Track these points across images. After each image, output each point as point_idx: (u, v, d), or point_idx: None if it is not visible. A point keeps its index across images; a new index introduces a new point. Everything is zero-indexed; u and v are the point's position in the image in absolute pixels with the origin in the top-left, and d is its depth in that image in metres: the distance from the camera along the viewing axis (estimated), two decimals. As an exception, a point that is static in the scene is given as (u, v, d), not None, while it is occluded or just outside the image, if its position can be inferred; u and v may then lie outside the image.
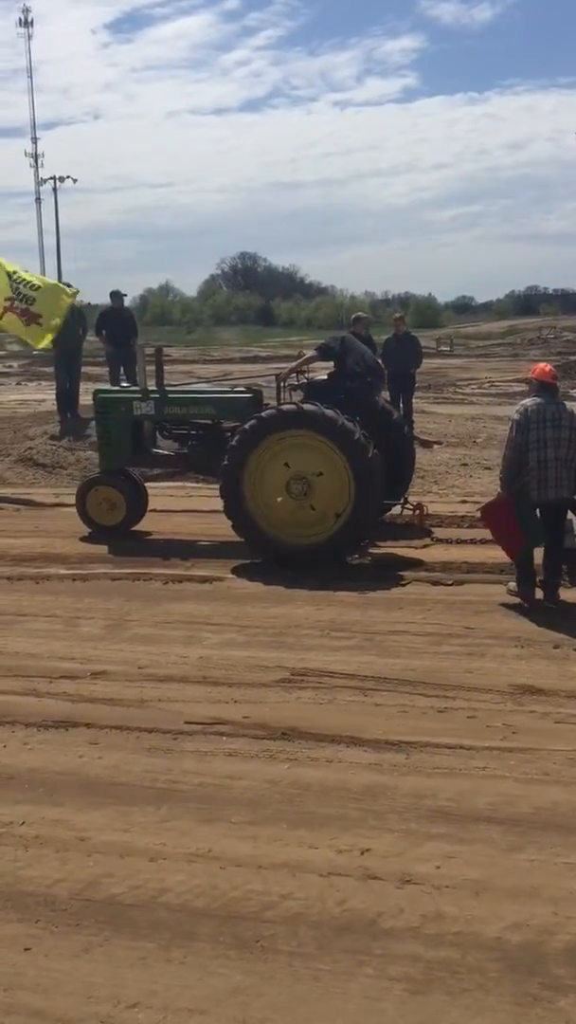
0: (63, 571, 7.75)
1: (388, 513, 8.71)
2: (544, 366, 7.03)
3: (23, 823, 3.95)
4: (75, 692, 5.29)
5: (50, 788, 4.24)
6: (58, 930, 3.28)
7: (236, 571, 7.66)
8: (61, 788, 4.24)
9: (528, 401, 6.72)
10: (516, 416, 6.66)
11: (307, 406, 7.75)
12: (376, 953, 3.11)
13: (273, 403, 8.60)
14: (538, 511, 6.80)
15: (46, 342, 12.11)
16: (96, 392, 9.65)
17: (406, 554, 8.07)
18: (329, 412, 7.61)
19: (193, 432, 9.10)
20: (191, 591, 7.20)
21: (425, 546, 8.29)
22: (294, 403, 8.03)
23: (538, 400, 6.65)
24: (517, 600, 6.80)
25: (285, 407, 7.97)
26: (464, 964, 3.05)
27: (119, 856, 3.69)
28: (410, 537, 8.52)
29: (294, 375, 9.08)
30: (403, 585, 7.22)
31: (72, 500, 9.19)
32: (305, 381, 8.85)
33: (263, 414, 7.95)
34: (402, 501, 8.76)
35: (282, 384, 9.03)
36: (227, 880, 3.52)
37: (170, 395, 9.06)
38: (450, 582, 7.27)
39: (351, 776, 4.29)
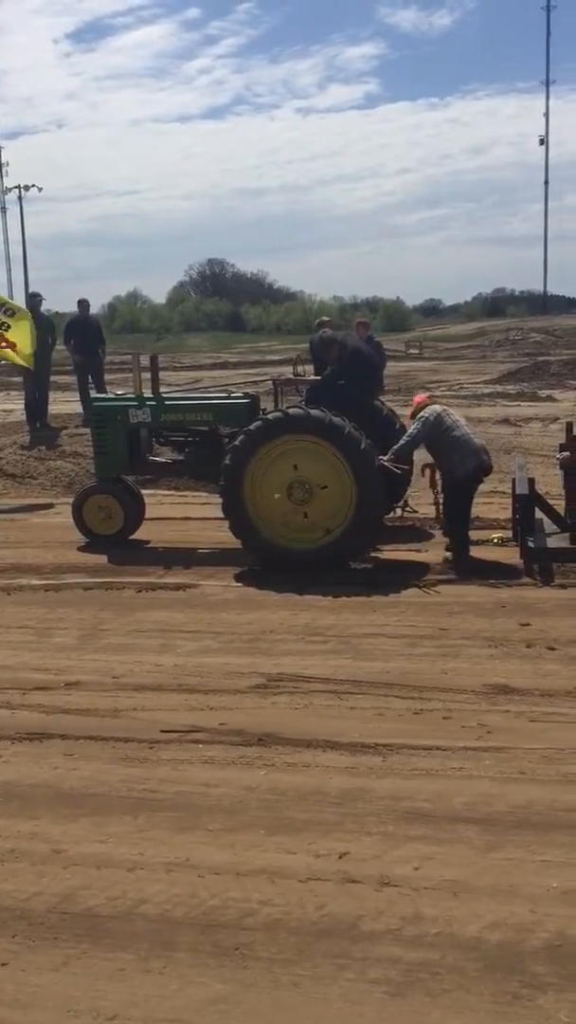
0: (35, 581, 7.70)
1: (388, 516, 8.73)
2: (419, 396, 8.65)
3: (-2, 837, 3.91)
4: (49, 703, 5.25)
5: (25, 800, 4.21)
6: (35, 944, 3.25)
7: (209, 578, 7.64)
8: (36, 800, 4.21)
9: (427, 409, 7.97)
10: (426, 415, 7.83)
11: (314, 412, 7.69)
12: (356, 957, 3.11)
13: (270, 407, 8.57)
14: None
15: (24, 362, 12.16)
16: (92, 400, 9.58)
17: (407, 557, 8.08)
18: (336, 419, 7.58)
19: (190, 439, 9.06)
20: (165, 599, 7.18)
21: (424, 550, 8.29)
22: (300, 407, 7.95)
23: (432, 406, 8.04)
24: (490, 600, 6.85)
25: (291, 411, 7.89)
26: (444, 965, 3.06)
27: (96, 867, 3.67)
28: (409, 540, 8.56)
29: (291, 377, 9.10)
30: (376, 587, 7.23)
31: (44, 509, 9.13)
32: (303, 381, 8.84)
33: (268, 416, 7.92)
34: (402, 503, 8.77)
35: (280, 388, 9.04)
36: (205, 888, 3.51)
37: (166, 401, 9.02)
38: (422, 584, 7.30)
39: (328, 780, 4.29)
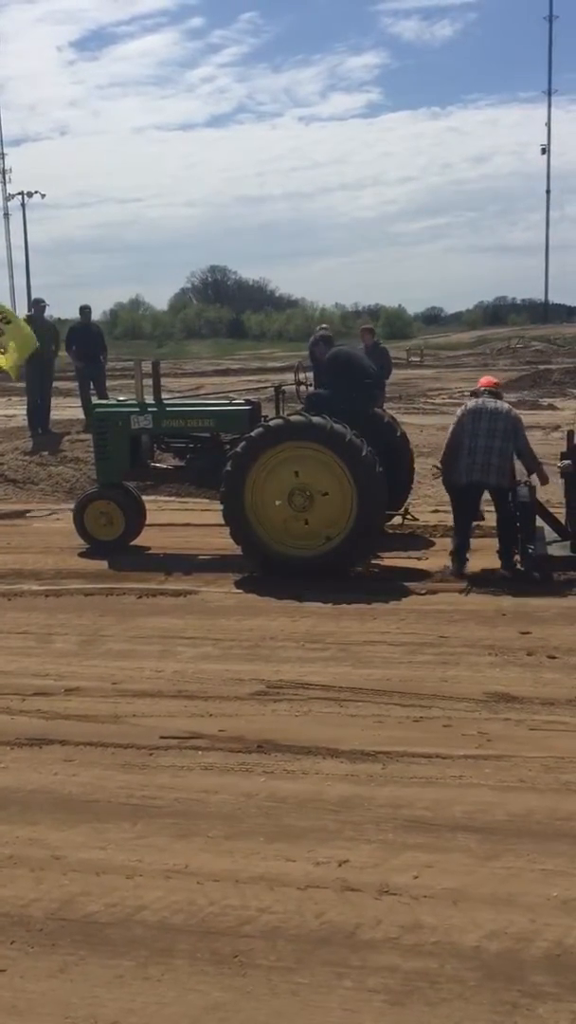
0: (36, 587, 7.70)
1: (388, 523, 8.72)
2: (486, 377, 8.46)
3: (-3, 843, 3.90)
4: (49, 709, 5.25)
5: (24, 806, 4.20)
6: (34, 950, 3.24)
7: (210, 584, 7.64)
8: (35, 806, 4.20)
9: (470, 402, 7.87)
10: (458, 412, 7.82)
11: (315, 419, 7.70)
12: (355, 965, 3.10)
13: (271, 414, 8.59)
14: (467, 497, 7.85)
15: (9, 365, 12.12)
16: (93, 405, 9.59)
17: (407, 565, 8.07)
18: (338, 427, 7.59)
19: (191, 445, 9.08)
20: (165, 605, 7.17)
21: (424, 558, 8.28)
22: (302, 414, 7.96)
23: (477, 400, 7.82)
24: (490, 608, 6.84)
25: (293, 418, 7.91)
26: (443, 974, 3.05)
27: (95, 874, 3.66)
28: (410, 548, 8.55)
29: (293, 385, 9.14)
30: (376, 594, 7.23)
31: (44, 514, 9.13)
32: (305, 391, 8.86)
33: (270, 423, 7.93)
34: (403, 511, 8.76)
35: (282, 394, 9.06)
36: (204, 895, 3.50)
37: (168, 408, 9.04)
38: (423, 591, 7.30)
39: (327, 788, 4.28)
